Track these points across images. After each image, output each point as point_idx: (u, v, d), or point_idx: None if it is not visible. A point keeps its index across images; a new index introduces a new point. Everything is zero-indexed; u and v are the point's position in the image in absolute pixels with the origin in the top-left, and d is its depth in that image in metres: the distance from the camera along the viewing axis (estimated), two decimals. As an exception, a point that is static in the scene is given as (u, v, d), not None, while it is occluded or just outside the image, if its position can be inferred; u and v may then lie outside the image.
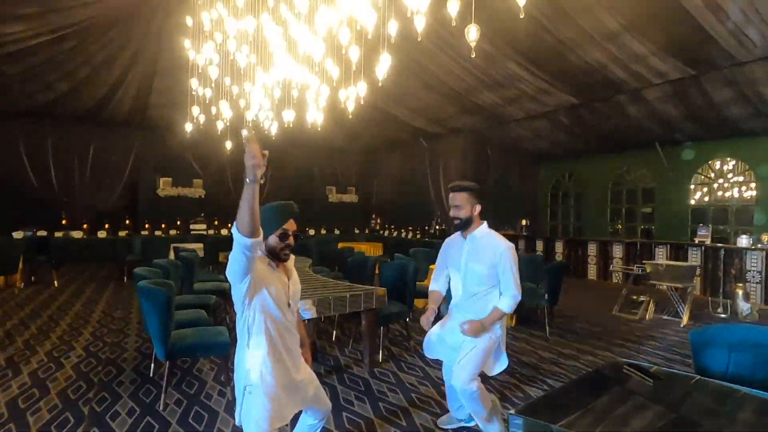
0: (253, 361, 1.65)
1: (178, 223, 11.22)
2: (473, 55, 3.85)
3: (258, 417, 1.63)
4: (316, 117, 6.27)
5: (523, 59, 7.50)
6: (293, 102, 6.60)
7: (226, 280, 4.69)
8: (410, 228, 12.40)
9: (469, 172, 11.10)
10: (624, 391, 1.56)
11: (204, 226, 11.54)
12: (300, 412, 1.92)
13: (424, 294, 5.09)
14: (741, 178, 9.02)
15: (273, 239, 1.71)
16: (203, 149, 11.07)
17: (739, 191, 9.05)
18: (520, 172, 12.17)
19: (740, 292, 5.94)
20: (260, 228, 1.46)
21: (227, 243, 7.62)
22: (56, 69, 7.99)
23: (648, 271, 5.79)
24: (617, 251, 8.65)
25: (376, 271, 4.98)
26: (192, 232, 11.23)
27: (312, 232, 12.52)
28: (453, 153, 11.45)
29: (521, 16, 3.59)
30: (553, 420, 1.32)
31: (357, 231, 13.96)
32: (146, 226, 10.81)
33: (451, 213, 2.29)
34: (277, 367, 1.68)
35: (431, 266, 5.61)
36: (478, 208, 2.26)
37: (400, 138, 12.39)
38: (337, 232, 13.45)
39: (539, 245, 10.00)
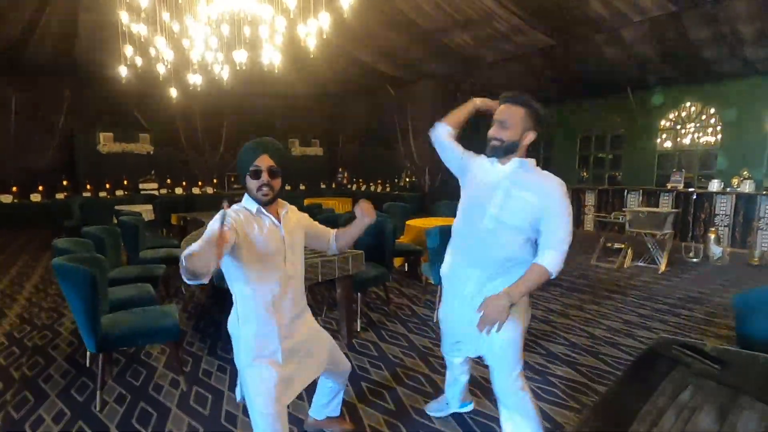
0: (240, 333, 1.54)
1: (125, 182, 10.20)
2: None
3: (255, 392, 1.50)
4: (272, 57, 5.50)
5: (501, -7, 6.85)
6: (245, 40, 5.76)
7: (179, 246, 3.85)
8: (379, 181, 11.93)
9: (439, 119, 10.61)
10: (687, 382, 1.22)
11: (155, 186, 10.59)
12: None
13: (403, 253, 4.74)
14: (708, 123, 8.99)
15: (248, 181, 1.53)
16: (147, 99, 9.90)
17: (705, 136, 9.06)
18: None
19: (712, 236, 5.96)
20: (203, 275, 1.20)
21: (182, 203, 6.76)
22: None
23: (628, 218, 5.66)
24: (589, 199, 8.58)
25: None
26: (141, 192, 10.28)
27: (275, 188, 11.81)
28: (421, 101, 10.83)
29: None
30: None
31: (323, 186, 13.35)
32: (87, 187, 9.76)
33: (492, 131, 1.64)
34: (263, 343, 1.53)
35: (408, 222, 5.23)
36: (530, 136, 1.61)
37: (365, 85, 11.57)
38: (302, 187, 12.80)
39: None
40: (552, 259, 1.54)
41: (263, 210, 1.54)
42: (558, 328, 3.48)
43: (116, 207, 7.72)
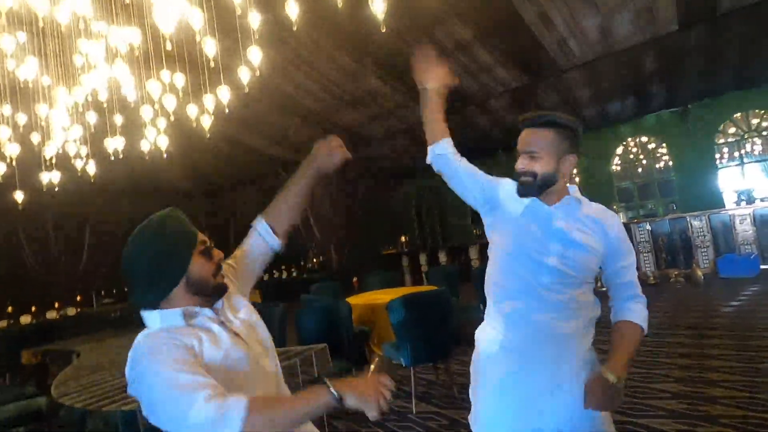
0: None
1: (-60, 320, 7.66)
2: (383, 30, 3.27)
3: None
4: (158, 141, 4.82)
5: (384, 73, 7.37)
6: (117, 130, 5.04)
7: (42, 393, 2.82)
8: (283, 267, 11.11)
9: (336, 197, 10.55)
10: None
11: (-13, 317, 8.15)
12: None
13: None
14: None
15: (198, 266, 1.03)
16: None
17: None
18: (385, 191, 12.15)
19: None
20: None
21: (33, 334, 5.10)
22: None
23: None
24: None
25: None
26: (-32, 330, 7.78)
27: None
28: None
29: (382, 30, 3.23)
30: None
31: (220, 282, 11.91)
32: None
33: (519, 164, 1.30)
34: None
35: (348, 300, 4.67)
36: (570, 160, 1.28)
37: (255, 170, 11.12)
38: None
39: (422, 258, 9.91)
40: (640, 313, 1.28)
41: (197, 311, 1.03)
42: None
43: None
